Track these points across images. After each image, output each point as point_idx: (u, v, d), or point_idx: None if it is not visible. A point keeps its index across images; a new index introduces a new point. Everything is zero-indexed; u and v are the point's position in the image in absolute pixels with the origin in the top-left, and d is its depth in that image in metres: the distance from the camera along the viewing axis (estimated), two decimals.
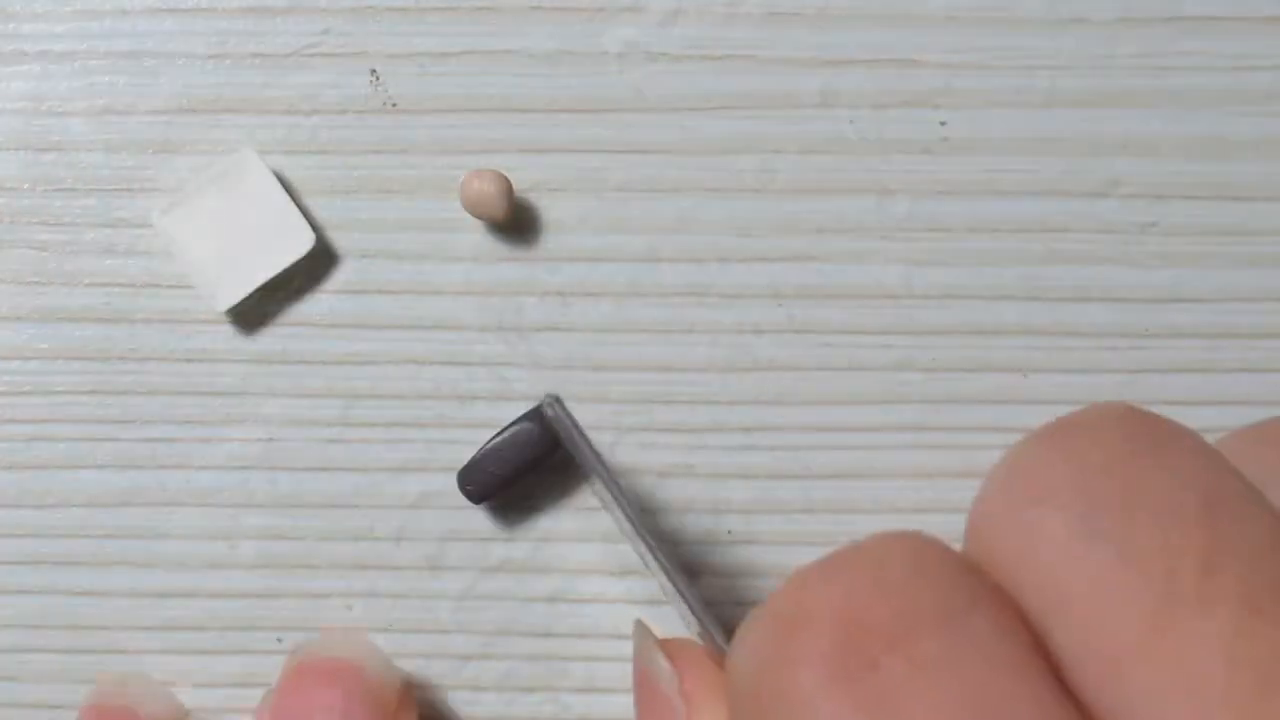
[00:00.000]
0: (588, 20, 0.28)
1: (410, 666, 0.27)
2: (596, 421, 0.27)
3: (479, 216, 0.27)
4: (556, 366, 0.28)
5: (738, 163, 0.28)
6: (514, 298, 0.28)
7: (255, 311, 0.28)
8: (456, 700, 0.27)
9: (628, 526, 0.22)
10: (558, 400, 0.22)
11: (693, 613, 0.19)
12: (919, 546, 0.12)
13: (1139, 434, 0.12)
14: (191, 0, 0.28)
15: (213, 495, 0.28)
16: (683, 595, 0.20)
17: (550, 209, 0.28)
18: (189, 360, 0.28)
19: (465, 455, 0.27)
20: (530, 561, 0.27)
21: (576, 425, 0.22)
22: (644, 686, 0.18)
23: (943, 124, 0.28)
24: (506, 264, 0.28)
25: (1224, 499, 0.12)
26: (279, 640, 0.27)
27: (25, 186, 0.28)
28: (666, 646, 0.20)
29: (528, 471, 0.27)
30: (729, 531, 0.27)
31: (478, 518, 0.27)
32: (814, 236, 0.28)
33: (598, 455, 0.23)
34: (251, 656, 0.27)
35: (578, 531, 0.27)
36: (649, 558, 0.21)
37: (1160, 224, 0.28)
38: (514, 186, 0.27)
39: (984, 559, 0.12)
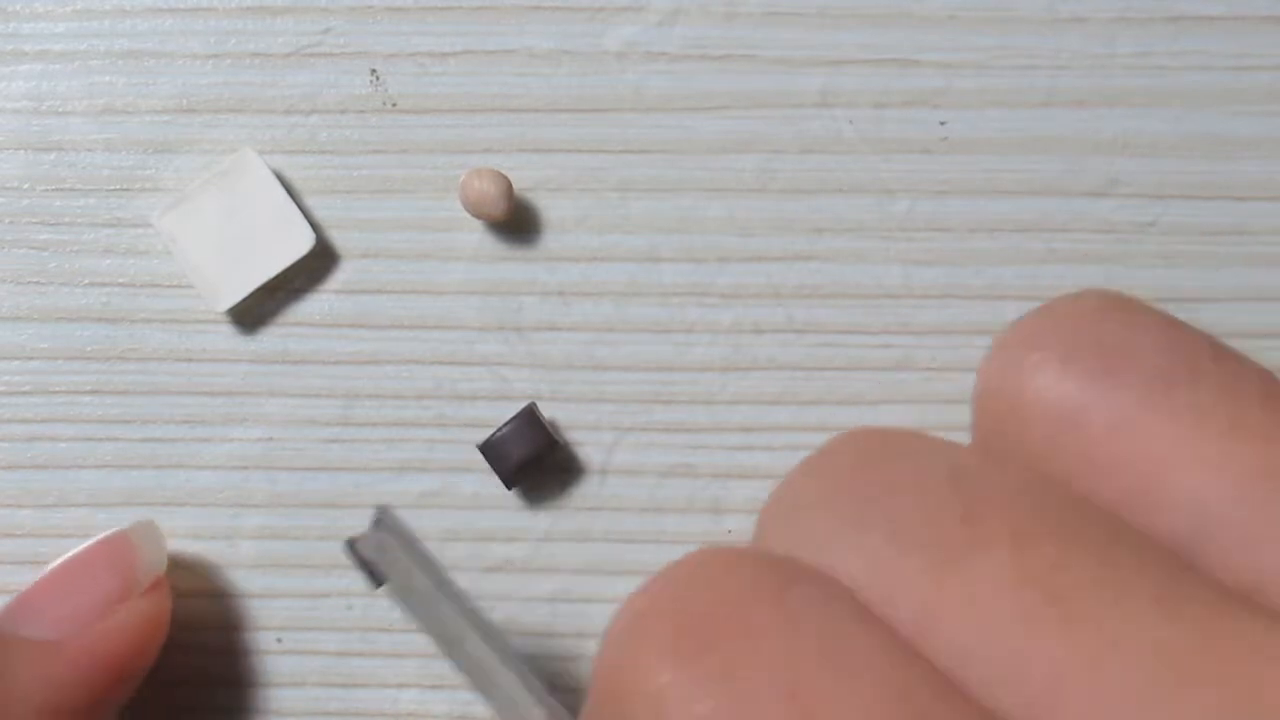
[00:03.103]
0: (588, 20, 0.28)
1: (411, 667, 0.27)
2: (596, 421, 0.27)
3: (479, 216, 0.27)
4: (556, 366, 0.28)
5: (738, 163, 0.28)
6: (514, 297, 0.28)
7: (255, 311, 0.28)
8: (456, 700, 0.27)
9: (460, 635, 0.20)
10: (386, 513, 0.21)
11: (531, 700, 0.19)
12: (734, 549, 0.13)
13: (880, 444, 0.14)
14: (191, 0, 0.28)
15: (213, 495, 0.28)
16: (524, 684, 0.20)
17: (550, 209, 0.28)
18: (189, 360, 0.28)
19: (465, 455, 0.27)
20: (530, 561, 0.27)
21: (411, 541, 0.20)
22: None
23: (943, 124, 0.28)
24: (506, 264, 0.28)
25: (966, 467, 0.13)
26: (279, 640, 0.27)
27: (25, 186, 0.28)
28: None
29: (526, 468, 0.27)
30: (729, 531, 0.27)
31: (478, 518, 0.27)
32: (814, 236, 0.28)
33: (434, 571, 0.21)
34: (251, 656, 0.27)
35: (578, 531, 0.27)
36: (485, 660, 0.20)
37: (1160, 224, 0.28)
38: (514, 186, 0.27)
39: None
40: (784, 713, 0.11)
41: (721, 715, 0.11)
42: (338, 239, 0.28)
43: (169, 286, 0.28)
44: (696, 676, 0.12)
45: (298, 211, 0.27)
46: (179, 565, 0.28)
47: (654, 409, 0.27)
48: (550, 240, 0.28)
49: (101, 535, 0.26)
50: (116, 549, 0.26)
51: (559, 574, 0.27)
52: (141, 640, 0.25)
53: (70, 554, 0.26)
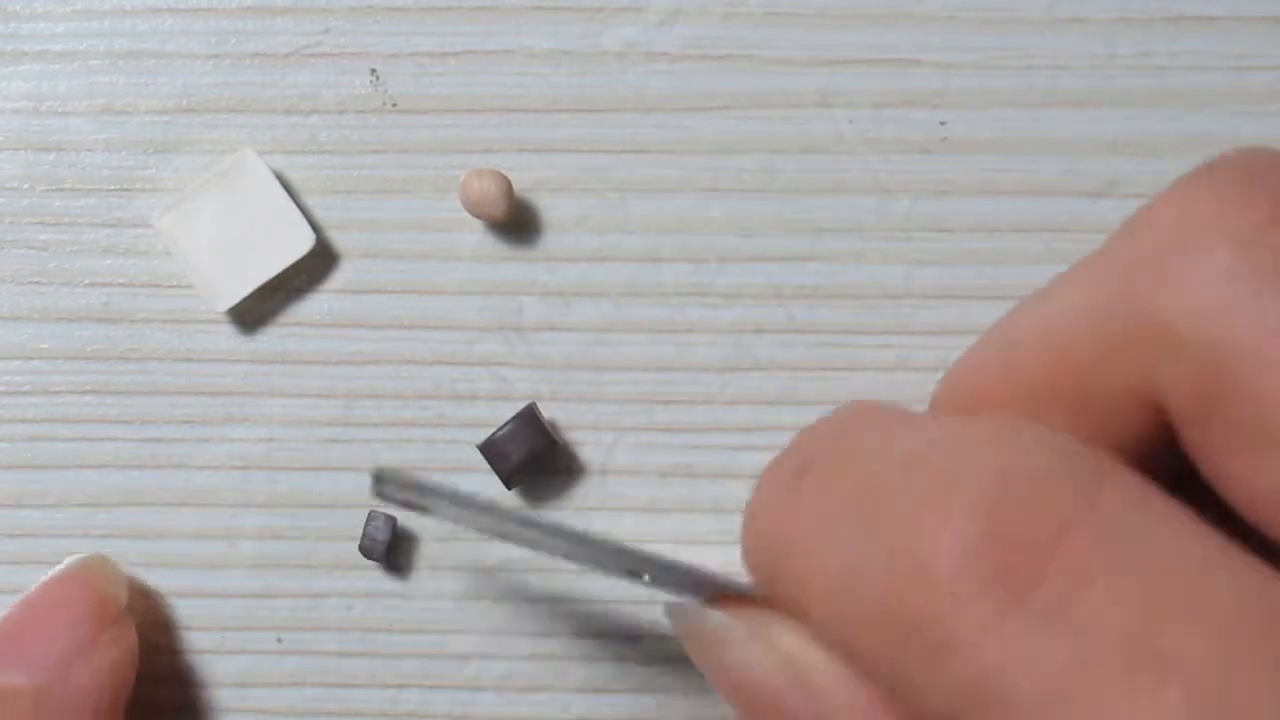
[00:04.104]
0: (588, 20, 0.28)
1: (411, 666, 0.27)
2: (596, 421, 0.27)
3: (479, 216, 0.27)
4: (556, 366, 0.28)
5: (738, 163, 0.28)
6: (514, 298, 0.28)
7: (255, 311, 0.28)
8: (456, 700, 0.27)
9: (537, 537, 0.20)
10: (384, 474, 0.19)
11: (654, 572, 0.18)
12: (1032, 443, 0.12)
13: None
14: (191, 0, 0.28)
15: (213, 495, 0.28)
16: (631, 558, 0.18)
17: (550, 209, 0.28)
18: (189, 360, 0.28)
19: (465, 455, 0.27)
20: (530, 561, 0.27)
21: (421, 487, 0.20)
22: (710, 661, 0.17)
23: (942, 124, 0.28)
24: (506, 264, 0.28)
25: None
26: (279, 640, 0.27)
27: (25, 186, 0.28)
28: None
29: (526, 468, 0.27)
30: (729, 531, 0.27)
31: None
32: (814, 236, 0.28)
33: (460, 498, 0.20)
34: (251, 656, 0.27)
35: None
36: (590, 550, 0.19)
37: None
38: (514, 186, 0.27)
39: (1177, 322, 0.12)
40: None
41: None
42: (338, 239, 0.28)
43: (169, 286, 0.28)
44: (1028, 620, 0.11)
45: (298, 211, 0.27)
46: (177, 565, 0.28)
47: (654, 409, 0.27)
48: (550, 240, 0.28)
49: (60, 571, 0.26)
50: (78, 585, 0.26)
51: (559, 574, 0.27)
52: (118, 678, 0.25)
53: (32, 592, 0.26)
